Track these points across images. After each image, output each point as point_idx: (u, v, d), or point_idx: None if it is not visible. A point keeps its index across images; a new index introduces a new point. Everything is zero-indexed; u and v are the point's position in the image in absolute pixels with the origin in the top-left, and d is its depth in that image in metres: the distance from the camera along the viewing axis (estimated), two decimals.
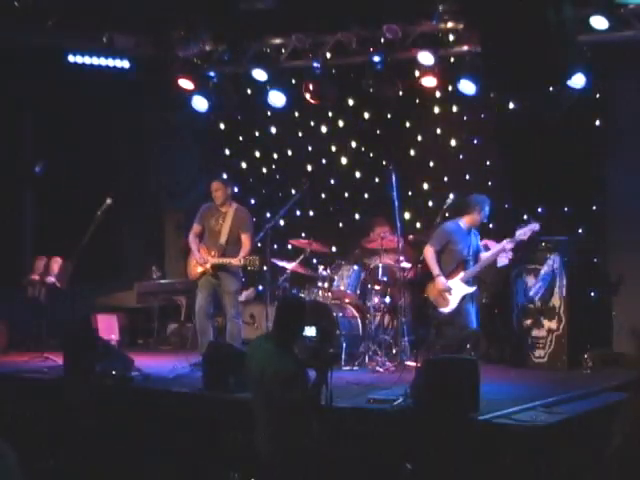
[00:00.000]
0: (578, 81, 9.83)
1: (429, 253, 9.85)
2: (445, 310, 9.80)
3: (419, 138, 12.14)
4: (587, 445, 7.63)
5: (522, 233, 9.77)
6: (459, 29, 10.55)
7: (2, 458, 3.92)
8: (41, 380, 9.68)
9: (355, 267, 10.84)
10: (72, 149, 12.34)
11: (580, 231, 10.86)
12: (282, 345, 6.42)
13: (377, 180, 12.15)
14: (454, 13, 10.31)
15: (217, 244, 10.37)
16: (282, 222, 12.13)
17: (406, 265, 10.48)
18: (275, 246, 11.83)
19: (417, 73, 11.04)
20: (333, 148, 12.77)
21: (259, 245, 11.56)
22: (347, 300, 10.87)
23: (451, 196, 10.15)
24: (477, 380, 7.61)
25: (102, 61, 11.84)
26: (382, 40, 10.94)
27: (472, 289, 9.82)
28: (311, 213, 12.88)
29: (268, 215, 12.54)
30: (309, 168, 12.87)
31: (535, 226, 9.82)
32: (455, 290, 9.77)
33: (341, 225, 12.70)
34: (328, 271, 10.93)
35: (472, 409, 7.48)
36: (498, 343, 10.69)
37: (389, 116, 12.28)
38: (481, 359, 9.41)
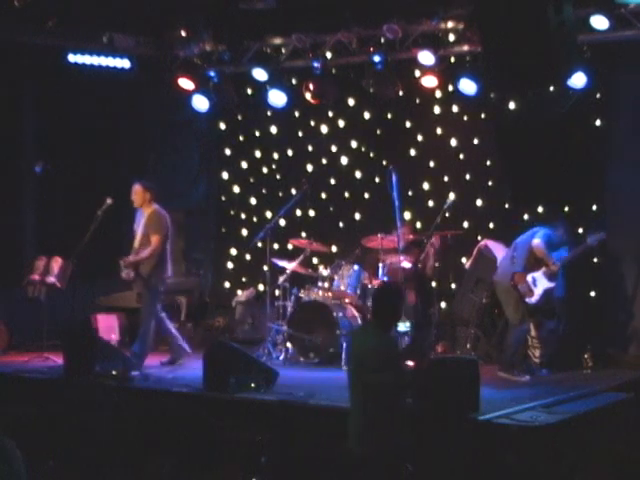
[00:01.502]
0: (578, 81, 9.83)
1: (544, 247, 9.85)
2: (532, 300, 9.80)
3: (419, 138, 12.14)
4: (587, 445, 7.63)
5: (593, 239, 9.85)
6: (459, 29, 10.56)
7: (9, 464, 3.88)
8: (41, 380, 9.67)
9: (355, 267, 10.83)
10: (72, 149, 12.33)
11: (580, 231, 10.85)
12: (381, 329, 6.62)
13: (377, 180, 12.14)
14: (454, 13, 10.32)
15: (133, 248, 10.44)
16: (282, 222, 12.13)
17: (407, 265, 10.48)
18: (275, 246, 11.83)
19: (417, 73, 11.06)
20: (333, 148, 12.76)
21: (259, 245, 11.57)
22: (347, 300, 10.86)
23: (451, 196, 10.12)
24: (477, 380, 7.61)
25: (102, 61, 11.85)
26: (382, 40, 10.95)
27: (553, 284, 9.85)
28: (311, 213, 12.87)
29: (268, 215, 12.55)
30: (309, 168, 12.86)
31: (602, 235, 9.91)
32: (539, 282, 9.78)
33: (341, 225, 12.70)
34: (328, 271, 10.92)
35: (472, 409, 7.49)
36: (498, 343, 10.67)
37: (389, 116, 12.28)
38: (481, 359, 9.44)
